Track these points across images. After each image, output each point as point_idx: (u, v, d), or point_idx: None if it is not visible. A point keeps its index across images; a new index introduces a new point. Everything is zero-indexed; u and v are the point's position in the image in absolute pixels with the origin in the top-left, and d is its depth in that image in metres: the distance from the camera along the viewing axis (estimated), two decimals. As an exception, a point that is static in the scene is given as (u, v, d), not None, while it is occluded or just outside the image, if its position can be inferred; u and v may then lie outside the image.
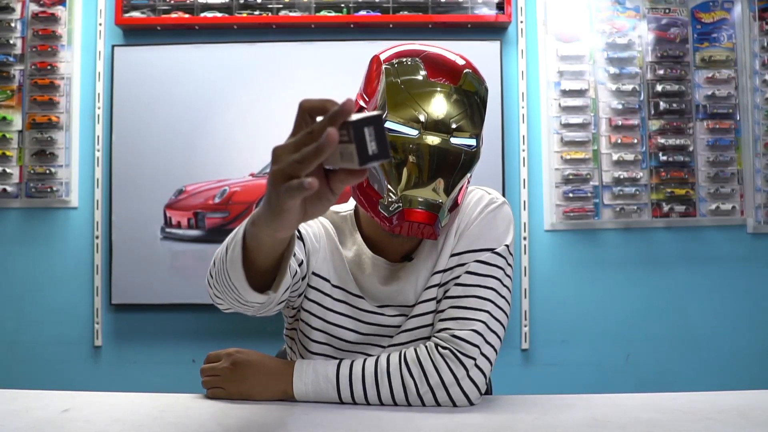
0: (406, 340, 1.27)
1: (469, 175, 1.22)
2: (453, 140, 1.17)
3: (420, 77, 1.18)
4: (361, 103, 1.25)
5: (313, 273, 1.27)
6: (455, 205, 1.21)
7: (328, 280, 1.28)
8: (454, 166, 1.17)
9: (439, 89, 1.17)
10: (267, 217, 0.80)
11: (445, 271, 1.26)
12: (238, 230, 0.97)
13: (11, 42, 2.93)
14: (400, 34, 2.93)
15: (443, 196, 1.17)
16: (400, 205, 1.15)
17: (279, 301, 1.10)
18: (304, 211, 0.78)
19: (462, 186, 1.21)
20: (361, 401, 1.16)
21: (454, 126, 1.16)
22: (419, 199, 1.15)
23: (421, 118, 1.15)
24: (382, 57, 1.23)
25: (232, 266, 0.95)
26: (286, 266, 0.96)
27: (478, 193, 1.32)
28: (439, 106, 1.16)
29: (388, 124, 1.15)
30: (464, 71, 1.21)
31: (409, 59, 1.20)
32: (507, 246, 1.26)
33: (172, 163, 2.90)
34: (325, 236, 1.30)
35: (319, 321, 1.28)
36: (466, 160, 1.19)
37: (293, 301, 1.27)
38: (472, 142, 1.19)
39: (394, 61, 1.21)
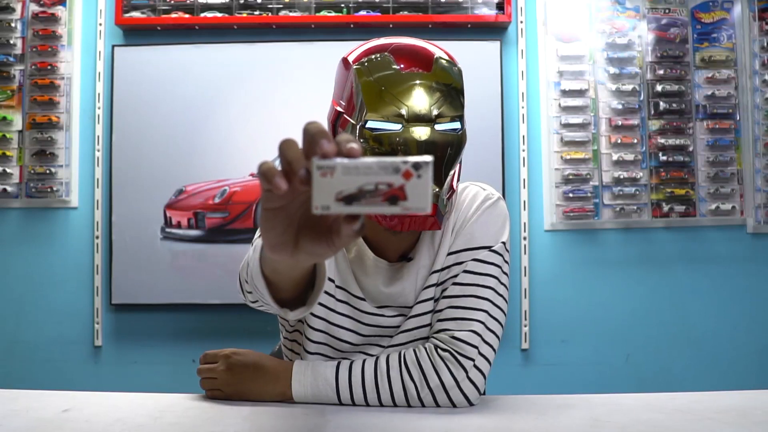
0: (406, 341, 1.26)
1: (459, 159, 1.20)
2: (438, 127, 1.15)
3: (393, 71, 1.17)
4: (338, 108, 1.24)
5: None
6: (452, 192, 1.20)
7: (332, 281, 1.27)
8: (444, 153, 1.16)
9: (414, 80, 1.16)
10: (263, 239, 0.75)
11: (442, 270, 1.25)
12: (256, 249, 0.95)
13: (11, 42, 2.92)
14: (400, 34, 2.92)
15: (438, 185, 1.15)
16: None
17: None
18: (296, 242, 0.72)
19: (455, 171, 1.20)
20: (360, 403, 1.15)
21: (435, 113, 1.15)
22: None
23: (403, 111, 1.14)
24: (351, 58, 1.22)
25: (258, 283, 0.94)
26: (319, 286, 0.92)
27: (473, 189, 1.30)
28: (417, 96, 1.15)
29: (370, 124, 1.14)
30: (435, 57, 1.20)
31: (378, 55, 1.19)
32: (503, 243, 1.25)
33: (172, 163, 2.89)
34: None
35: (321, 321, 1.27)
36: (454, 144, 1.17)
37: None
38: (457, 125, 1.18)
39: (364, 59, 1.19)
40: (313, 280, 0.94)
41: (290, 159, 0.66)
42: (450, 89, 1.18)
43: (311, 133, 0.65)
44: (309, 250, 0.72)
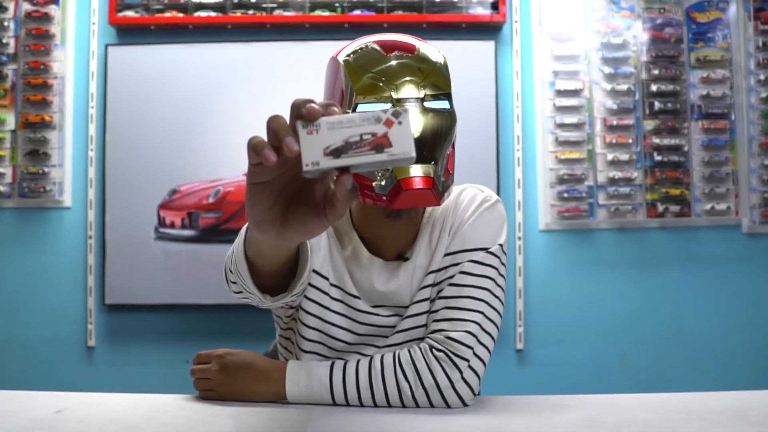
0: (401, 341, 1.26)
1: (451, 140, 1.19)
2: (427, 104, 1.16)
3: (379, 57, 1.19)
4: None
5: (314, 270, 1.26)
6: (448, 175, 1.19)
7: (327, 278, 1.27)
8: (436, 129, 1.16)
9: (399, 61, 1.19)
10: (248, 216, 0.77)
11: (438, 270, 1.25)
12: (241, 234, 0.96)
13: (4, 41, 2.91)
14: (395, 33, 2.92)
15: (433, 161, 1.14)
16: (395, 178, 1.12)
17: (292, 295, 1.07)
18: (284, 219, 0.73)
19: (449, 153, 1.19)
20: (354, 403, 1.15)
21: (423, 91, 1.16)
22: (411, 167, 1.13)
23: (392, 92, 1.15)
24: (339, 57, 1.24)
25: (240, 268, 0.95)
26: (301, 271, 0.93)
27: (472, 191, 1.30)
28: (405, 75, 1.17)
29: (360, 107, 1.16)
30: (416, 44, 1.23)
31: (363, 46, 1.22)
32: (501, 245, 1.25)
33: (166, 163, 2.88)
34: (324, 233, 1.28)
35: (315, 320, 1.27)
36: (444, 123, 1.17)
37: (295, 300, 1.25)
38: (445, 103, 1.18)
39: (350, 52, 1.22)
40: (295, 268, 0.94)
41: (276, 128, 0.68)
42: (435, 69, 1.20)
43: (297, 103, 0.68)
44: (299, 225, 0.73)
